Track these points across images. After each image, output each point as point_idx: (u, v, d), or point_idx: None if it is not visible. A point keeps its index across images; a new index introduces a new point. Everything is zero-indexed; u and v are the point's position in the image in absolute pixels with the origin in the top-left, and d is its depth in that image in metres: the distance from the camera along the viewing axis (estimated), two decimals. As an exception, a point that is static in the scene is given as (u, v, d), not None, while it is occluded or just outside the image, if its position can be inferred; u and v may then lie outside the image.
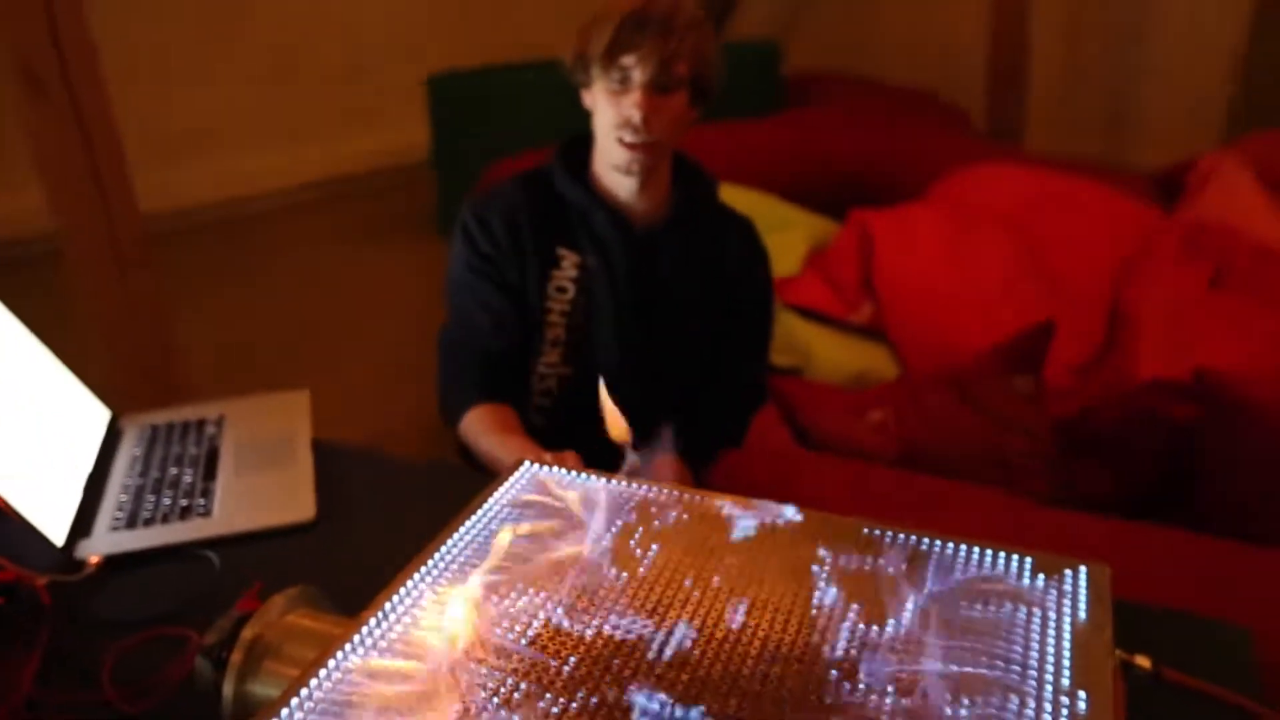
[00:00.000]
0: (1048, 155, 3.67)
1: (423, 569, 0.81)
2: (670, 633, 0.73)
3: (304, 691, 0.67)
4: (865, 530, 0.84)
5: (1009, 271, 2.44)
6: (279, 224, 4.14)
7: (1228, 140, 4.67)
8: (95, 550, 1.07)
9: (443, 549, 0.83)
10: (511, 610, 0.75)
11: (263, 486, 1.18)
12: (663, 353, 1.44)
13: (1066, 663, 0.68)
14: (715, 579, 0.79)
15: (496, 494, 0.91)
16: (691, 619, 0.74)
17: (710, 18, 1.33)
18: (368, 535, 1.11)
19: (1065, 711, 0.64)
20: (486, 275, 1.39)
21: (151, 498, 1.16)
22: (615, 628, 0.73)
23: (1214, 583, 1.40)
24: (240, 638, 0.75)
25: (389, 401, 2.89)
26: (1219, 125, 4.73)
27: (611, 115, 1.29)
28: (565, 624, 0.74)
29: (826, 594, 0.76)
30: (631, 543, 0.84)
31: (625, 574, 0.79)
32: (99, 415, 1.32)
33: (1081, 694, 0.65)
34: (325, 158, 4.35)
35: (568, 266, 1.40)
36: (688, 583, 0.79)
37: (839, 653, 0.70)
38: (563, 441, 1.32)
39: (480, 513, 0.89)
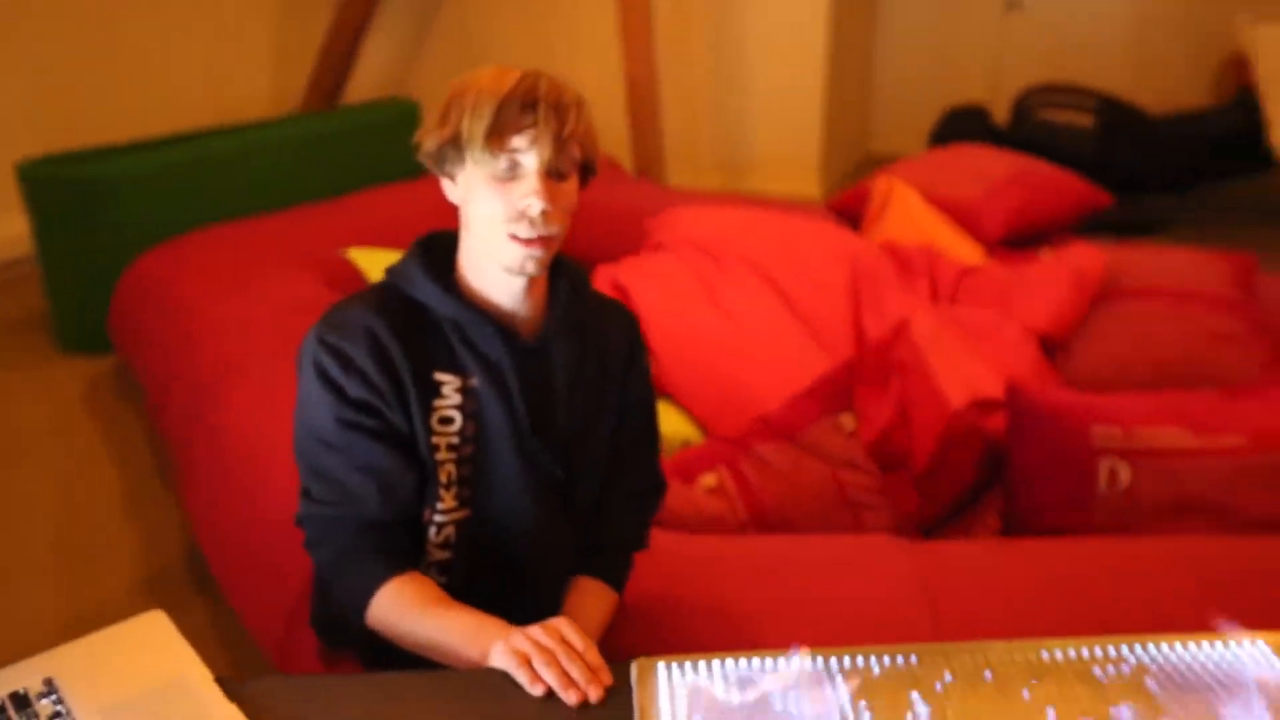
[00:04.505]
0: (714, 192, 3.88)
1: None
2: None
3: None
4: (1044, 654, 0.76)
5: (765, 308, 2.51)
6: None
7: (821, 169, 5.39)
8: None
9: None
10: None
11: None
12: (567, 471, 1.26)
13: None
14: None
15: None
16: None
17: None
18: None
19: None
20: (364, 429, 1.13)
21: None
22: None
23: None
24: None
25: (72, 574, 2.28)
26: (816, 157, 5.42)
27: (500, 208, 1.09)
28: None
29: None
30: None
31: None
32: None
33: None
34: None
35: (450, 393, 1.17)
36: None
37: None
38: (467, 596, 1.12)
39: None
